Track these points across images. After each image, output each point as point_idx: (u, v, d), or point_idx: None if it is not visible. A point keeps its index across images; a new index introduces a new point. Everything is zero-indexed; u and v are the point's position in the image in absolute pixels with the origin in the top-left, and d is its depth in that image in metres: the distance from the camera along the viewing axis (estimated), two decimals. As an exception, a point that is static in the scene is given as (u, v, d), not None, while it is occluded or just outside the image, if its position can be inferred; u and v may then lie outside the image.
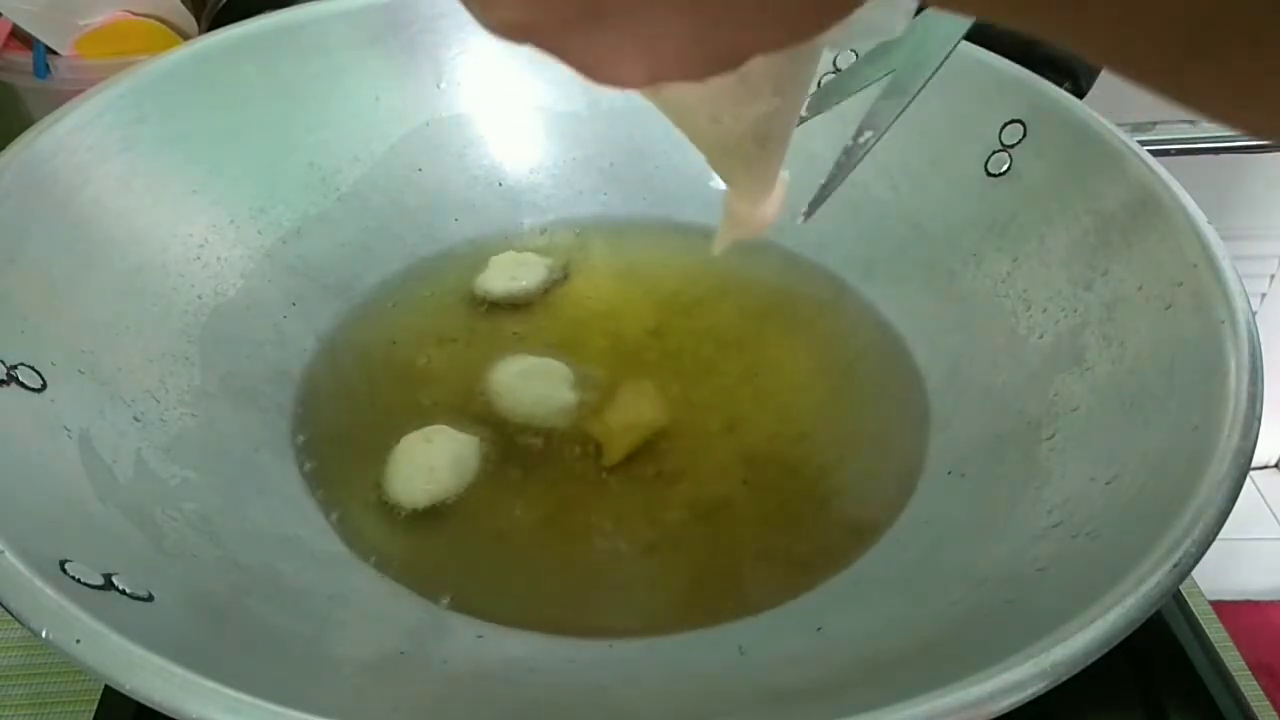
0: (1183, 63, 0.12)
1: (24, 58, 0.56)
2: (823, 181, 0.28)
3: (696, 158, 0.24)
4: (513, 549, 0.37)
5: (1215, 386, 0.30)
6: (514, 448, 0.40)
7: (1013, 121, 0.43)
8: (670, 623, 0.34)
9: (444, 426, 0.40)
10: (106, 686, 0.32)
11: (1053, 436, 0.36)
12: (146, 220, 0.40)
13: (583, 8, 0.16)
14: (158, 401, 0.36)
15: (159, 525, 0.31)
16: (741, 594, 0.35)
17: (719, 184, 0.26)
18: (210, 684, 0.22)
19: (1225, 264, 0.34)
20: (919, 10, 0.18)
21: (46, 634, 0.23)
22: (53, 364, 0.33)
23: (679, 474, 0.39)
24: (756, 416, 0.42)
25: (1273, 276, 1.09)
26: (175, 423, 0.36)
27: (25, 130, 0.37)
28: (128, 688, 0.22)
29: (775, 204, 0.27)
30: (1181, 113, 0.13)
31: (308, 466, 0.39)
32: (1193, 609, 0.39)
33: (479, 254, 0.49)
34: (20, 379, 0.31)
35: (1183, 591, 0.40)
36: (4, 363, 0.31)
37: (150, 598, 0.27)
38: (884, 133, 0.28)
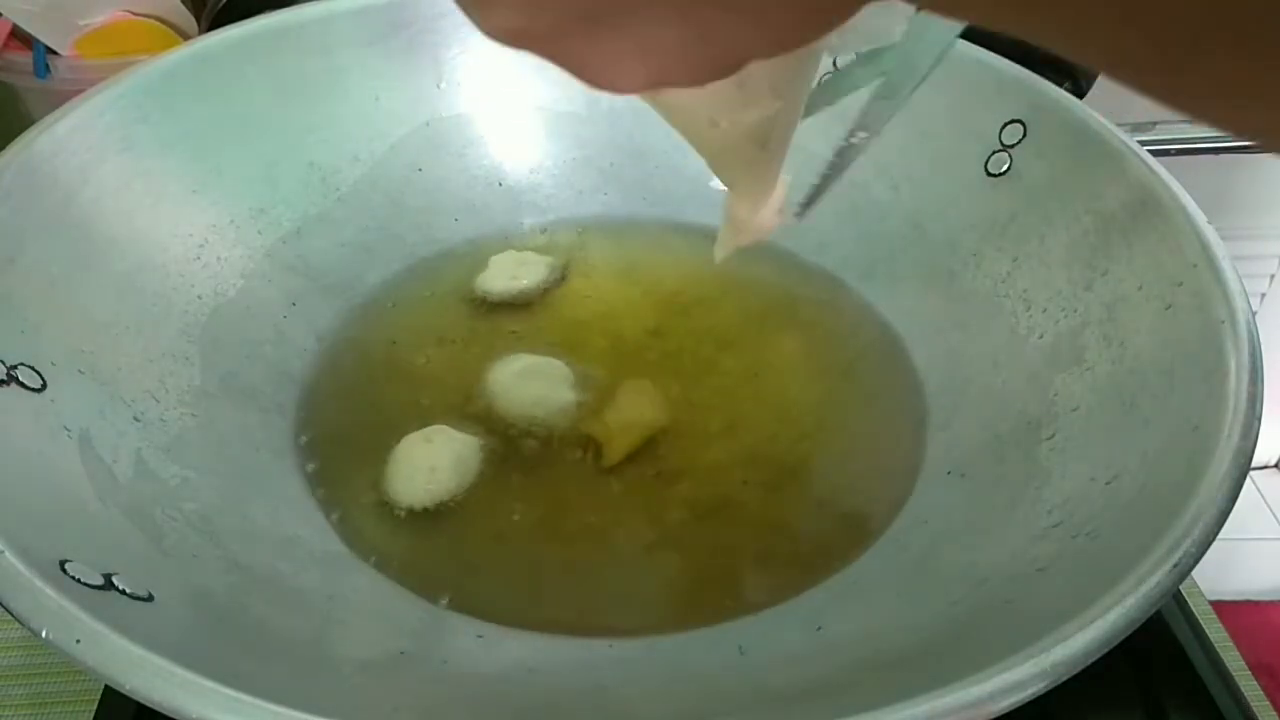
0: (1182, 63, 0.12)
1: (24, 58, 0.55)
2: (816, 182, 0.28)
3: (696, 158, 0.24)
4: (513, 549, 0.37)
5: (1215, 386, 0.30)
6: (514, 448, 0.40)
7: (1013, 121, 0.43)
8: (670, 623, 0.34)
9: (444, 426, 0.40)
10: (106, 686, 0.32)
11: (1053, 436, 0.36)
12: (146, 220, 0.40)
13: (580, 13, 0.16)
14: (158, 401, 0.36)
15: (159, 525, 0.31)
16: (741, 594, 0.35)
17: (719, 184, 0.26)
18: (210, 684, 0.22)
19: (1225, 264, 0.34)
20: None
21: (46, 634, 0.23)
22: (53, 364, 0.33)
23: (679, 474, 0.39)
24: (756, 416, 0.42)
25: (1273, 276, 1.09)
26: (175, 423, 0.36)
27: (25, 130, 0.37)
28: (128, 688, 0.22)
29: (777, 211, 0.27)
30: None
31: (308, 467, 0.39)
32: (1193, 609, 0.39)
33: (479, 254, 0.49)
34: (20, 379, 0.31)
35: (1183, 591, 0.40)
36: (4, 363, 0.31)
37: (150, 598, 0.27)
38: (877, 134, 0.28)
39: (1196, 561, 0.26)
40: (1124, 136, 0.39)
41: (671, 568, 0.37)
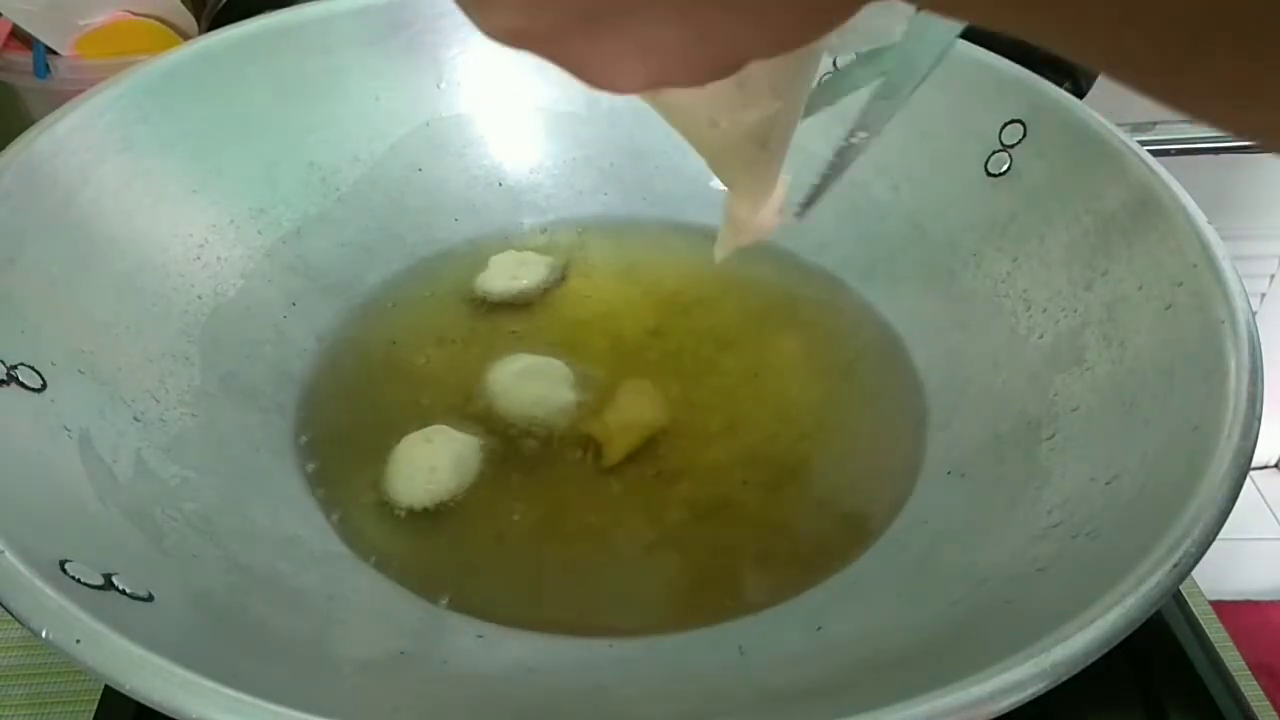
0: (1182, 63, 0.12)
1: (24, 58, 0.55)
2: (816, 182, 0.28)
3: (697, 158, 0.24)
4: (513, 549, 0.37)
5: (1215, 386, 0.30)
6: (514, 448, 0.40)
7: (1013, 121, 0.43)
8: (670, 623, 0.34)
9: (444, 426, 0.40)
10: (106, 686, 0.32)
11: (1053, 436, 0.36)
12: (146, 220, 0.40)
13: (580, 13, 0.16)
14: (158, 401, 0.36)
15: (159, 525, 0.31)
16: (741, 594, 0.35)
17: (719, 184, 0.26)
18: (210, 684, 0.22)
19: (1225, 264, 0.34)
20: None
21: (46, 634, 0.23)
22: (53, 364, 0.33)
23: (679, 474, 0.39)
24: (756, 416, 0.42)
25: (1273, 276, 1.09)
26: (175, 423, 0.36)
27: (25, 130, 0.37)
28: (128, 688, 0.22)
29: (776, 211, 0.27)
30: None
31: (308, 467, 0.39)
32: (1193, 609, 0.39)
33: (479, 254, 0.49)
34: (20, 379, 0.31)
35: (1183, 591, 0.40)
36: (4, 363, 0.31)
37: (150, 598, 0.27)
38: (877, 134, 0.28)
39: (1196, 561, 0.26)
40: (1124, 136, 0.39)
41: (671, 568, 0.37)
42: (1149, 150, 0.39)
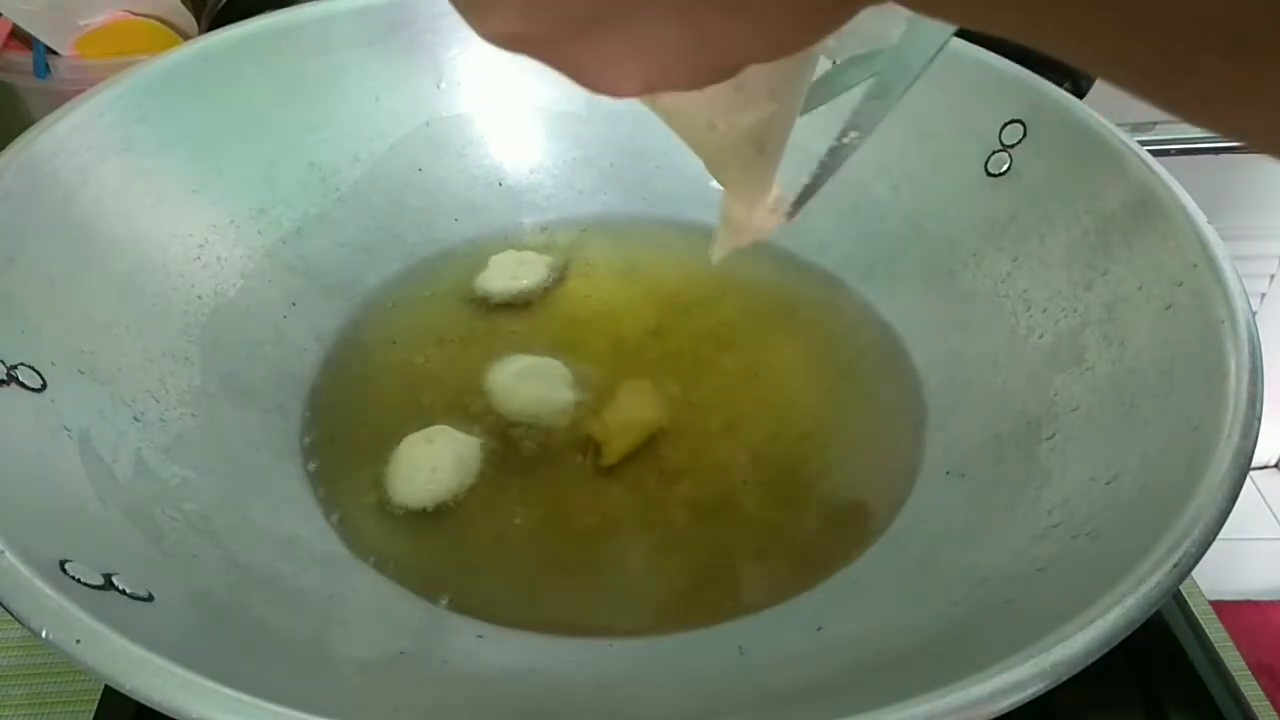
0: (1181, 67, 0.12)
1: (24, 58, 0.55)
2: (807, 181, 0.28)
3: (697, 158, 0.24)
4: (512, 549, 0.37)
5: (1215, 386, 0.30)
6: (514, 448, 0.40)
7: (1013, 121, 0.43)
8: (670, 623, 0.34)
9: (445, 427, 0.40)
10: (106, 686, 0.32)
11: (1053, 436, 0.36)
12: (146, 220, 0.40)
13: (578, 17, 0.16)
14: (158, 401, 0.36)
15: (159, 525, 0.31)
16: (741, 594, 0.35)
17: (719, 185, 0.26)
18: (210, 684, 0.22)
19: (1225, 264, 0.34)
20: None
21: (46, 634, 0.23)
22: (53, 364, 0.33)
23: (679, 474, 0.39)
24: (756, 416, 0.42)
25: (1273, 276, 1.09)
26: (175, 423, 0.36)
27: (25, 130, 0.37)
28: (128, 688, 0.22)
29: (774, 213, 0.27)
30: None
31: (308, 467, 0.39)
32: (1193, 609, 0.39)
33: (479, 254, 0.49)
34: (20, 379, 0.31)
35: (1183, 591, 0.40)
36: (4, 363, 0.31)
37: (150, 598, 0.27)
38: (869, 134, 0.28)
39: (1196, 561, 0.26)
40: (1124, 136, 0.39)
41: (671, 568, 0.37)
42: (1149, 150, 0.39)
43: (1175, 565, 0.25)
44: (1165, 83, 0.13)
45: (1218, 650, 0.37)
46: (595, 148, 0.52)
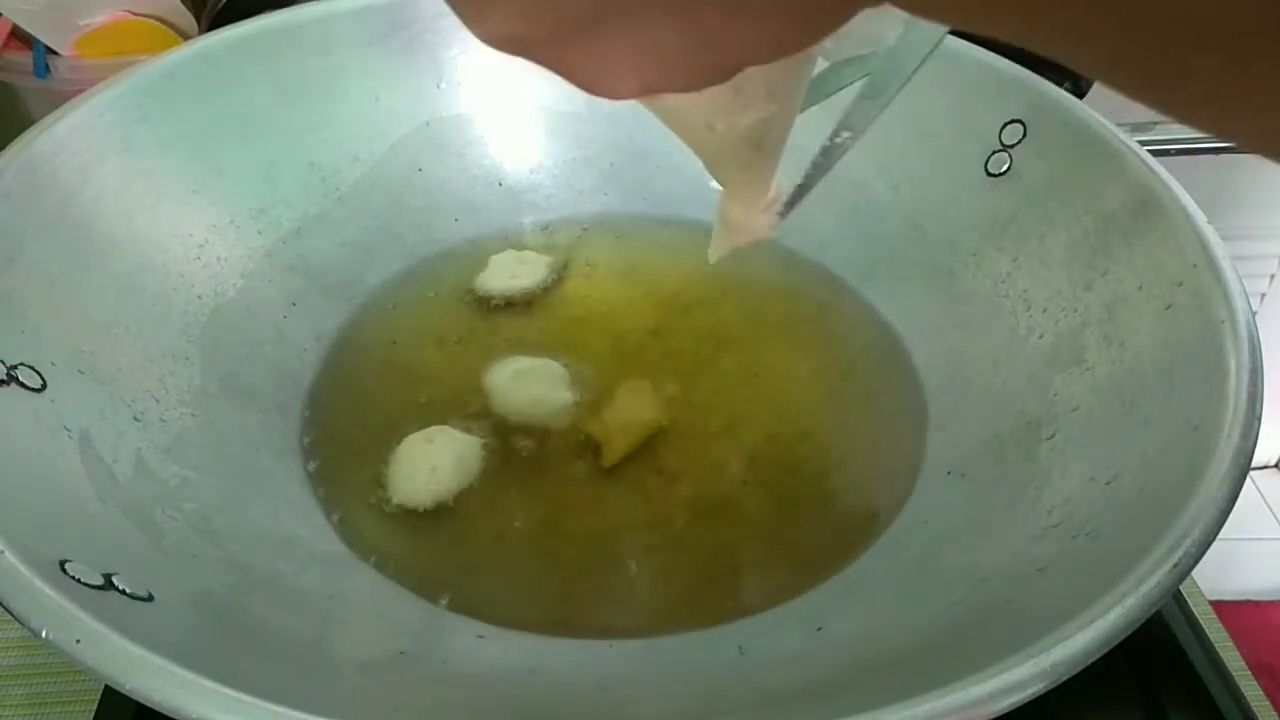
0: (1180, 69, 0.12)
1: (24, 58, 0.55)
2: (800, 181, 0.28)
3: (697, 158, 0.24)
4: (513, 549, 0.37)
5: (1215, 386, 0.30)
6: (514, 448, 0.40)
7: (1013, 121, 0.43)
8: (670, 623, 0.34)
9: (445, 427, 0.40)
10: (106, 686, 0.32)
11: (1053, 436, 0.36)
12: (146, 220, 0.40)
13: (577, 19, 0.16)
14: (158, 401, 0.36)
15: (159, 525, 0.31)
16: (741, 594, 0.35)
17: (718, 185, 0.26)
18: (210, 684, 0.22)
19: (1225, 264, 0.34)
20: None
21: (46, 634, 0.23)
22: (53, 364, 0.33)
23: (679, 474, 0.39)
24: (756, 416, 0.42)
25: (1273, 276, 1.09)
26: (175, 423, 0.36)
27: (25, 130, 0.37)
28: (128, 688, 0.22)
29: (772, 214, 0.27)
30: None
31: (308, 466, 0.39)
32: (1193, 609, 0.39)
33: (479, 254, 0.49)
34: (20, 379, 0.31)
35: (1183, 591, 0.40)
36: (4, 363, 0.31)
37: (150, 598, 0.27)
38: (862, 134, 0.28)
39: (1196, 561, 0.26)
40: (1124, 136, 0.39)
41: (671, 568, 0.37)
42: (1149, 150, 0.39)
43: (1175, 565, 0.25)
44: (1163, 85, 0.13)
45: (1218, 650, 0.37)
46: (595, 148, 0.52)
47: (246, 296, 0.43)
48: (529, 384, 0.42)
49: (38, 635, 0.23)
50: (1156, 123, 0.56)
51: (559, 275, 0.49)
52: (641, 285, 0.48)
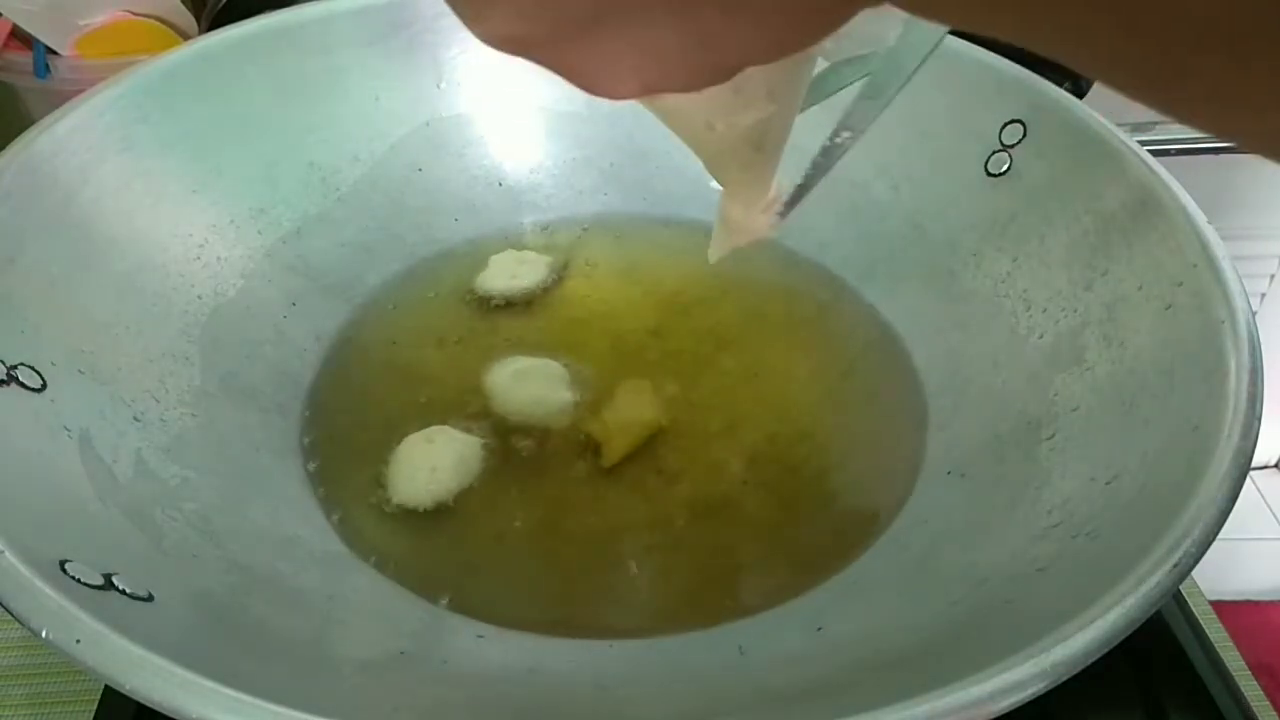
0: (1179, 69, 0.12)
1: (24, 58, 0.55)
2: (799, 181, 0.28)
3: (697, 158, 0.24)
4: (512, 549, 0.37)
5: (1215, 386, 0.30)
6: (514, 448, 0.40)
7: (1013, 121, 0.43)
8: (670, 623, 0.34)
9: (445, 427, 0.40)
10: (106, 686, 0.32)
11: (1053, 436, 0.36)
12: (146, 220, 0.40)
13: (577, 19, 0.16)
14: (158, 401, 0.36)
15: (159, 525, 0.31)
16: (741, 594, 0.35)
17: (718, 185, 0.26)
18: (210, 684, 0.22)
19: (1225, 264, 0.34)
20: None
21: (46, 634, 0.23)
22: (53, 364, 0.33)
23: (679, 474, 0.39)
24: (756, 416, 0.42)
25: (1273, 276, 1.09)
26: (175, 423, 0.36)
27: (25, 130, 0.37)
28: (128, 688, 0.22)
29: (772, 214, 0.27)
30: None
31: (308, 466, 0.39)
32: (1193, 609, 0.39)
33: (479, 254, 0.49)
34: (20, 379, 0.31)
35: (1183, 591, 0.40)
36: (4, 363, 0.31)
37: (150, 598, 0.27)
38: (861, 134, 0.28)
39: (1196, 561, 0.26)
40: (1124, 136, 0.39)
41: (671, 568, 0.37)
42: (1149, 150, 0.39)
43: (1175, 565, 0.25)
44: (1163, 85, 0.13)
45: (1218, 650, 0.37)
46: (595, 148, 0.52)
47: (246, 296, 0.43)
48: (529, 384, 0.42)
49: (38, 635, 0.23)
50: (1156, 123, 0.56)
51: (559, 275, 0.49)
52: (641, 285, 0.48)
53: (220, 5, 0.55)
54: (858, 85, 0.28)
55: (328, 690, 0.28)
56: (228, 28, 0.45)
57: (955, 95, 0.44)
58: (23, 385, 0.31)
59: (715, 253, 0.29)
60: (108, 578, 0.26)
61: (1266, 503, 1.23)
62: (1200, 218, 0.36)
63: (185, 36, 0.59)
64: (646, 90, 0.17)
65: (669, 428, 0.41)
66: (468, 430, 0.40)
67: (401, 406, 0.41)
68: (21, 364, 0.32)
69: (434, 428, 0.39)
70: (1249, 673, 0.40)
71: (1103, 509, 0.31)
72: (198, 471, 0.35)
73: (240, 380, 0.40)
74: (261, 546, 0.34)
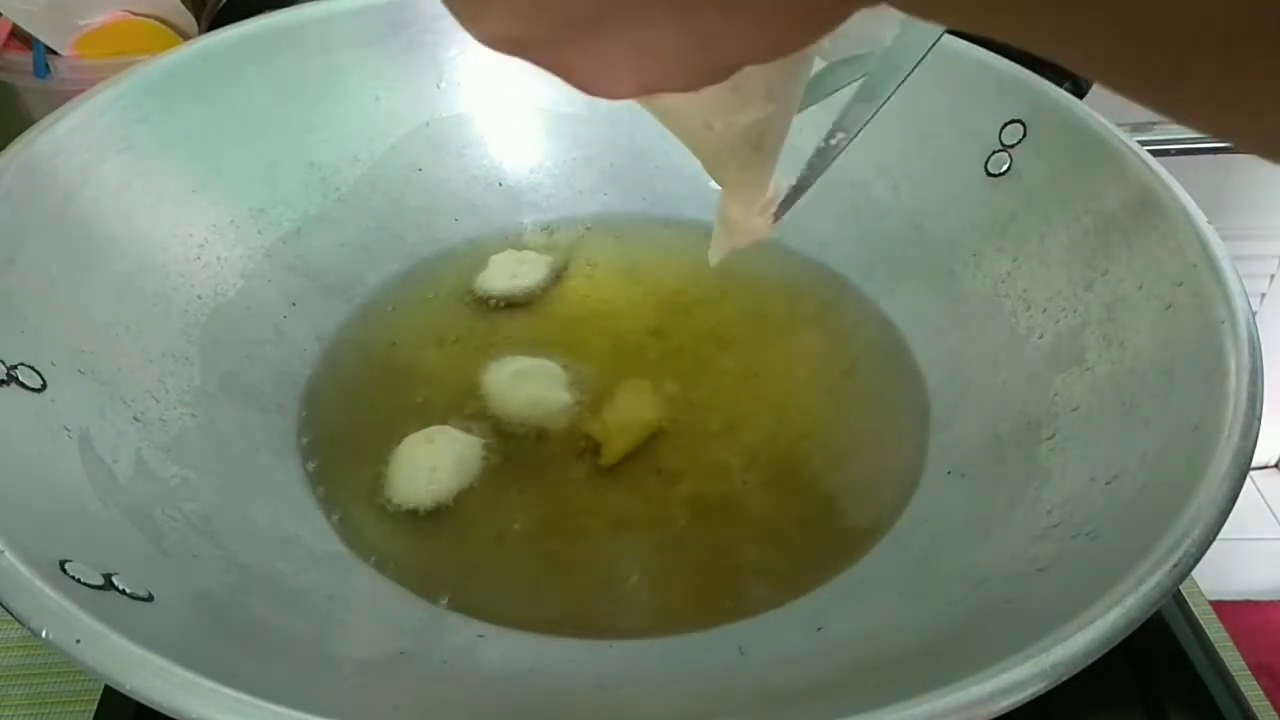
0: (1176, 70, 0.12)
1: (24, 58, 0.55)
2: (794, 183, 0.28)
3: (697, 158, 0.24)
4: (512, 549, 0.37)
5: (1215, 386, 0.30)
6: (515, 448, 0.40)
7: (1013, 121, 0.43)
8: (670, 623, 0.34)
9: (445, 427, 0.40)
10: (106, 686, 0.32)
11: (1053, 436, 0.36)
12: (146, 220, 0.40)
13: (575, 20, 0.16)
14: (158, 401, 0.36)
15: (159, 525, 0.31)
16: (742, 594, 0.35)
17: (717, 185, 0.26)
18: (210, 684, 0.22)
19: (1225, 264, 0.34)
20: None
21: (46, 634, 0.23)
22: (53, 364, 0.33)
23: (679, 474, 0.39)
24: (756, 416, 0.42)
25: (1273, 276, 1.09)
26: (175, 423, 0.36)
27: (25, 130, 0.37)
28: (128, 688, 0.22)
29: (771, 215, 0.27)
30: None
31: (308, 466, 0.39)
32: (1193, 609, 0.39)
33: (479, 254, 0.49)
34: (20, 379, 0.31)
35: (1183, 591, 0.40)
36: (4, 363, 0.31)
37: (150, 598, 0.27)
38: (856, 135, 0.28)
39: (1196, 561, 0.26)
40: (1124, 136, 0.39)
41: (672, 568, 0.37)
42: (1149, 150, 0.39)
43: (1175, 565, 0.25)
44: (1160, 85, 0.13)
45: (1218, 650, 0.37)
46: (595, 148, 0.52)
47: (246, 296, 0.43)
48: (529, 384, 0.42)
49: (38, 635, 0.23)
50: (1156, 123, 0.56)
51: (559, 275, 0.49)
52: (642, 285, 0.48)
53: (220, 5, 0.55)
54: (854, 85, 0.28)
55: (328, 690, 0.28)
56: (228, 28, 0.45)
57: (955, 95, 0.44)
58: (23, 385, 0.31)
59: (715, 254, 0.29)
60: (108, 578, 0.26)
61: (1266, 503, 1.23)
62: (1200, 218, 0.36)
63: (185, 36, 0.59)
64: (645, 90, 0.17)
65: (669, 428, 0.41)
66: (468, 430, 0.40)
67: (401, 406, 0.41)
68: (21, 364, 0.32)
69: (434, 428, 0.39)
70: (1249, 673, 0.40)
71: (1103, 509, 0.31)
72: (198, 471, 0.35)
73: (240, 380, 0.40)
74: (261, 546, 0.34)
